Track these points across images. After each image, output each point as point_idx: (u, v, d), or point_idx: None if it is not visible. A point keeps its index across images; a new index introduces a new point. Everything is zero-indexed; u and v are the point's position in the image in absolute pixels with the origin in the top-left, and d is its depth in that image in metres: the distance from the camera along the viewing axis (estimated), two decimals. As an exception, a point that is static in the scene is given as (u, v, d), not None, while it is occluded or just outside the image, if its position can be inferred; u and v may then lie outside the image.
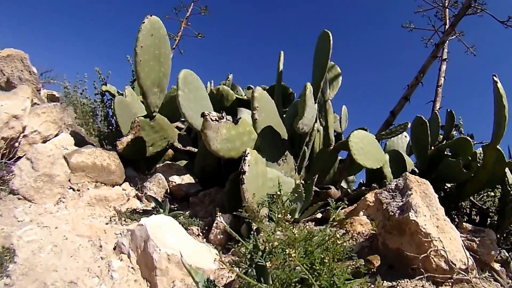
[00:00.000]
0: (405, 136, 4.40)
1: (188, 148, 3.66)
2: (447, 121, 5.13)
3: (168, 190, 3.02)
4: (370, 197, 2.73)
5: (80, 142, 3.09)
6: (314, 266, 1.31)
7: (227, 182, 2.62)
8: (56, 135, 2.97)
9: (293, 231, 1.35)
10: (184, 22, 10.02)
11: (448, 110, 5.36)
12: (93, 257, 1.95)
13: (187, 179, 3.12)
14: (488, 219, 3.40)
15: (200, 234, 2.44)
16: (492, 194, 3.08)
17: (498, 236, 2.84)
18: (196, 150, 3.67)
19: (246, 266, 1.39)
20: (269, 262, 1.28)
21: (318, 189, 2.98)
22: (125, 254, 1.97)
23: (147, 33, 2.67)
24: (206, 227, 2.50)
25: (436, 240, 1.86)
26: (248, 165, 2.25)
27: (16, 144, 2.71)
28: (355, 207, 2.79)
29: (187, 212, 2.61)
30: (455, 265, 1.88)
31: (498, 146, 2.96)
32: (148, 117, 3.03)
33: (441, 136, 4.88)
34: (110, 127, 4.29)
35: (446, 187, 3.47)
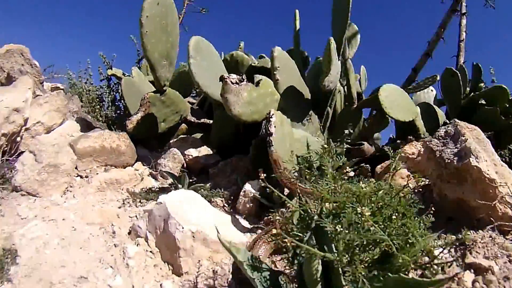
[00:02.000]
0: (431, 90, 4.10)
1: (202, 120, 3.40)
2: (473, 74, 4.81)
3: (185, 165, 2.75)
4: (408, 149, 2.44)
5: (87, 127, 2.85)
6: (385, 224, 1.07)
7: (251, 147, 2.36)
8: (61, 124, 2.75)
9: (360, 184, 1.11)
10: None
11: (474, 63, 5.04)
12: (105, 246, 1.71)
13: (204, 150, 2.87)
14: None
15: (226, 205, 2.18)
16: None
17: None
18: (211, 122, 3.44)
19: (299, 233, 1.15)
20: (331, 225, 1.03)
21: (350, 146, 2.73)
22: (142, 238, 1.72)
23: (153, 1, 2.40)
24: (232, 197, 2.23)
25: (502, 186, 1.61)
26: (274, 126, 2.00)
27: (18, 139, 2.46)
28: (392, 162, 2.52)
29: (207, 184, 2.37)
30: (522, 210, 1.63)
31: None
32: (158, 92, 2.79)
33: (468, 89, 4.61)
34: (118, 111, 4.07)
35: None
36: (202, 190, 2.19)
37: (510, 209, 1.64)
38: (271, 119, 2.02)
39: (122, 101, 3.90)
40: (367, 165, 2.62)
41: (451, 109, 3.23)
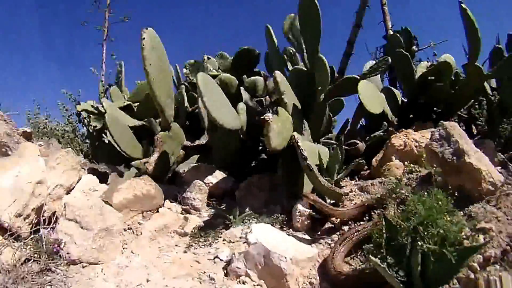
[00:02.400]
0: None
1: (197, 143, 3.62)
2: (405, 38, 5.43)
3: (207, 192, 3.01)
4: (396, 141, 2.92)
5: (101, 176, 2.92)
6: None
7: (279, 168, 2.72)
8: (78, 181, 2.77)
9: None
10: (107, 11, 9.12)
11: (403, 27, 5.65)
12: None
13: (219, 175, 3.10)
14: (475, 128, 3.86)
15: (283, 226, 2.51)
16: (477, 106, 3.48)
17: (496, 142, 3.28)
18: (204, 142, 3.66)
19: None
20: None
21: (347, 147, 3.17)
22: (243, 275, 2.00)
23: (150, 49, 2.47)
24: (286, 217, 2.56)
25: (484, 171, 2.19)
26: (305, 150, 2.35)
27: (44, 208, 2.48)
28: (384, 154, 2.98)
29: (246, 209, 2.67)
30: (496, 184, 2.24)
31: (476, 63, 3.33)
32: (166, 129, 2.96)
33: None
34: (96, 143, 4.11)
35: (435, 109, 3.85)
36: (265, 218, 2.51)
37: (490, 185, 2.23)
38: (299, 143, 2.36)
39: (107, 133, 3.90)
40: (362, 160, 3.11)
41: (406, 89, 3.81)
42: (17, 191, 2.22)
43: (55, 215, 2.38)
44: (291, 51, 3.69)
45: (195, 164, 3.25)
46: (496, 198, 2.24)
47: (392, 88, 3.88)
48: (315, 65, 2.94)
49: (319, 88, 2.83)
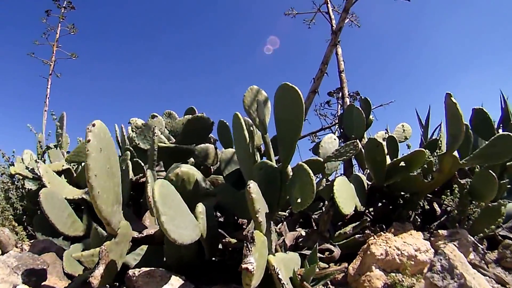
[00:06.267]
0: (334, 139, 4.37)
1: (145, 233, 3.07)
2: (363, 108, 5.36)
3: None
4: (376, 250, 2.58)
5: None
6: None
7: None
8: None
9: None
10: (55, 45, 8.32)
11: (363, 97, 5.61)
12: None
13: (176, 281, 2.56)
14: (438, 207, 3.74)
15: None
16: (448, 193, 3.32)
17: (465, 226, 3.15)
18: (153, 232, 3.12)
19: None
20: None
21: (321, 254, 2.79)
22: None
23: (96, 154, 1.94)
24: None
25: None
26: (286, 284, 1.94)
27: None
28: (362, 261, 2.63)
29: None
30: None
31: (454, 153, 3.18)
32: (113, 236, 2.38)
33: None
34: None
35: (403, 194, 3.66)
36: None
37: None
38: (278, 273, 1.98)
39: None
40: (341, 271, 2.74)
41: (376, 177, 3.56)
42: None
43: None
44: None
45: (147, 270, 2.67)
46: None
47: (359, 175, 3.63)
48: (294, 174, 2.59)
49: (298, 201, 2.42)
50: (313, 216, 4.07)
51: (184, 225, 2.20)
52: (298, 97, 2.48)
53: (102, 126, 2.10)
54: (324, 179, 3.99)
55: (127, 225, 2.62)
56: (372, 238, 2.76)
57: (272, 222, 2.84)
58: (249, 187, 2.14)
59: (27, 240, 3.56)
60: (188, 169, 2.70)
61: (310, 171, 2.27)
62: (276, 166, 2.78)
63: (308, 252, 2.71)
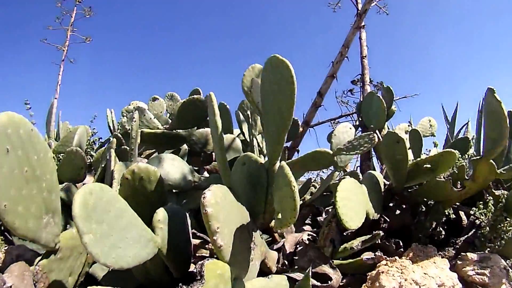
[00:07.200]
0: (350, 128, 3.77)
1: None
2: (386, 97, 4.67)
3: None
4: (387, 282, 1.91)
5: None
6: None
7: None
8: None
9: None
10: (70, 29, 7.99)
11: (385, 86, 4.91)
12: None
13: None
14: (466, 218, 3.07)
15: None
16: (481, 206, 2.66)
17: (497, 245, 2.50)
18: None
19: None
20: None
21: (317, 282, 2.22)
22: None
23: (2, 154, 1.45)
24: None
25: None
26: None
27: None
28: None
29: None
30: None
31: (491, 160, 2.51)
32: (52, 253, 1.87)
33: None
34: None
35: (426, 201, 3.00)
36: None
37: None
38: None
39: None
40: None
41: (395, 177, 2.90)
42: None
43: None
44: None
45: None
46: None
47: (375, 173, 2.98)
48: (276, 179, 1.98)
49: (278, 216, 1.81)
50: (323, 212, 3.52)
51: (125, 243, 1.63)
52: (289, 76, 1.84)
53: (13, 119, 1.55)
54: (337, 172, 3.42)
55: (74, 233, 2.11)
56: (383, 262, 2.14)
57: (259, 231, 2.29)
58: (203, 198, 1.57)
59: (4, 245, 3.14)
60: (146, 167, 2.09)
61: (292, 179, 1.63)
62: (262, 162, 2.19)
63: (299, 277, 2.11)
